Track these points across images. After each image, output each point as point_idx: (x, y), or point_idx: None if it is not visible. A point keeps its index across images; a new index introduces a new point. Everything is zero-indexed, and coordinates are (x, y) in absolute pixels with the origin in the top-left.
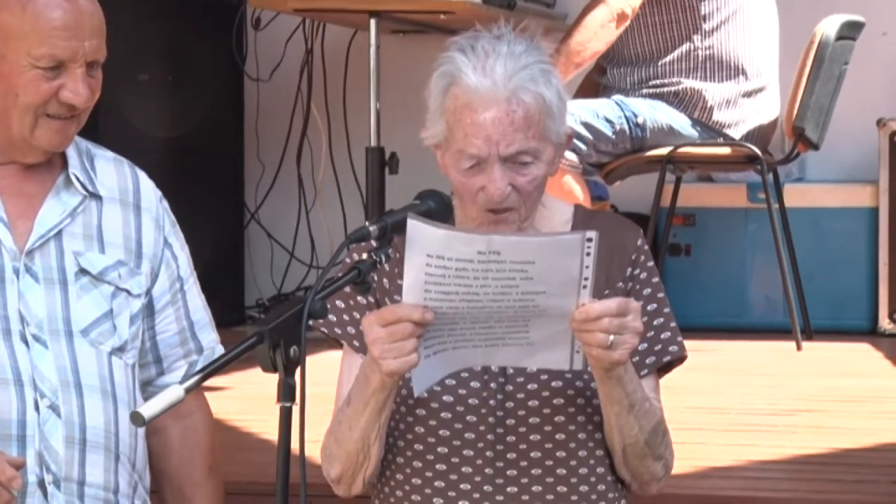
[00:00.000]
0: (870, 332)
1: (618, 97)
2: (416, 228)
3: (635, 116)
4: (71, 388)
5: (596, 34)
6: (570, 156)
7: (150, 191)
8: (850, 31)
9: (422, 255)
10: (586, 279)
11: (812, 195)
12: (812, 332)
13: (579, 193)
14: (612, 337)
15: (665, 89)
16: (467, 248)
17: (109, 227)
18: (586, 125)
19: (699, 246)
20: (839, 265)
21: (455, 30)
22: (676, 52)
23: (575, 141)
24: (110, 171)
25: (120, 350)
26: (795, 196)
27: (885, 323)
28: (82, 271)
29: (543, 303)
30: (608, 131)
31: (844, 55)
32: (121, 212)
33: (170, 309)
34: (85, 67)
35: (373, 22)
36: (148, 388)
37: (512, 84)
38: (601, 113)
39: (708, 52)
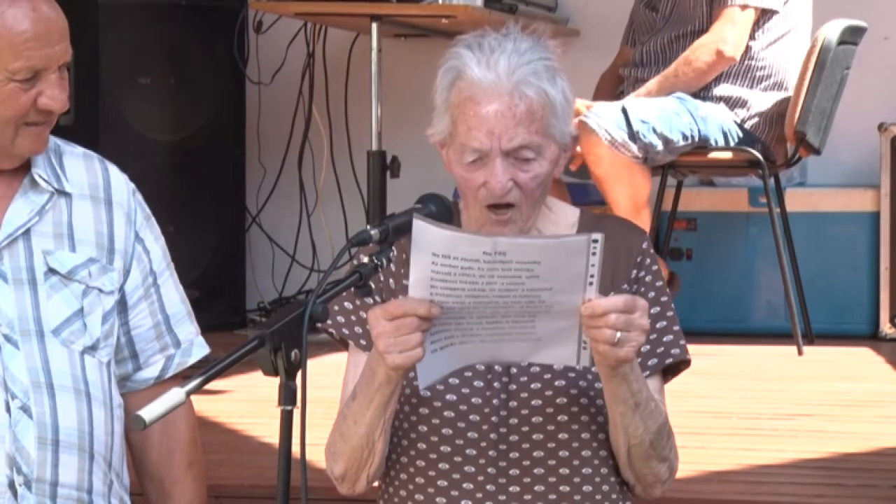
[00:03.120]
0: (871, 337)
1: (690, 104)
2: (422, 229)
3: (704, 125)
4: (43, 389)
5: (742, 37)
6: (635, 149)
7: (121, 184)
8: (852, 36)
9: (427, 254)
10: (592, 276)
11: (813, 199)
12: (813, 337)
13: (648, 187)
14: (618, 334)
15: (713, 93)
16: (473, 249)
17: (80, 225)
18: (661, 136)
19: (700, 250)
20: (840, 270)
21: (456, 34)
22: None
23: (646, 139)
24: (79, 167)
25: (92, 349)
26: (797, 200)
27: (886, 327)
28: (51, 271)
29: (550, 299)
30: (681, 142)
31: (846, 60)
32: (92, 208)
33: (143, 304)
34: (57, 72)
35: (374, 26)
36: (126, 384)
37: (515, 78)
38: (677, 127)
39: (758, 60)
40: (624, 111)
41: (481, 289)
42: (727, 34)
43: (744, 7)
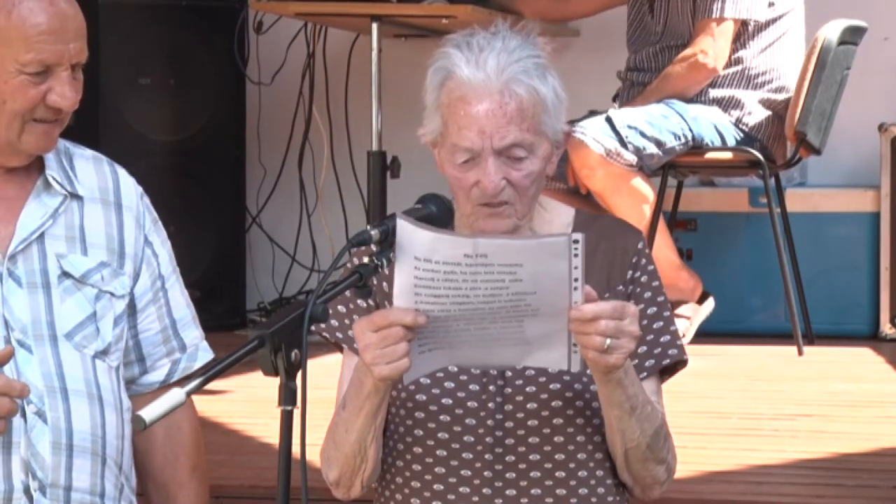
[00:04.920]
0: (871, 337)
1: (679, 106)
2: (405, 230)
3: (696, 125)
4: (57, 394)
5: (722, 49)
6: (629, 156)
7: (130, 188)
8: (852, 36)
9: (410, 259)
10: (576, 280)
11: (814, 200)
12: (813, 337)
13: (648, 192)
14: (608, 340)
15: (707, 96)
16: (454, 251)
17: (91, 228)
18: (652, 139)
19: (701, 250)
20: (840, 270)
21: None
22: (727, 66)
23: (637, 143)
24: (90, 170)
25: (103, 353)
26: (797, 201)
27: (886, 328)
28: (65, 274)
29: (536, 302)
30: (673, 143)
31: (846, 60)
32: (102, 211)
33: (151, 308)
34: (70, 70)
35: (374, 26)
36: (131, 387)
37: (504, 76)
38: (667, 128)
39: (753, 68)
40: (608, 120)
41: (465, 294)
42: (706, 46)
43: (721, 19)
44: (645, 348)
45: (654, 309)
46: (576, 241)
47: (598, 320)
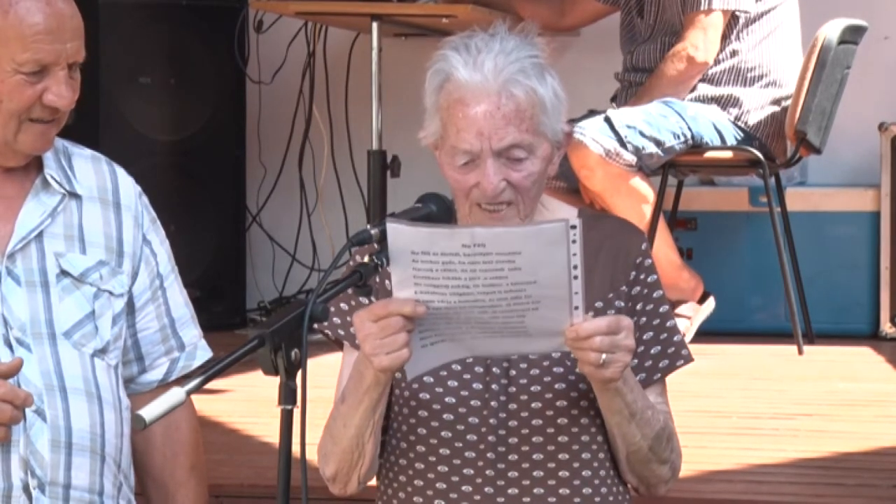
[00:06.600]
0: (871, 336)
1: (678, 106)
2: (396, 231)
3: (695, 124)
4: (56, 392)
5: (713, 41)
6: (628, 157)
7: (128, 187)
8: (853, 36)
9: (406, 254)
10: (575, 267)
11: (814, 199)
12: (813, 336)
13: (648, 192)
14: (604, 356)
15: (705, 94)
16: (451, 243)
17: (90, 227)
18: (651, 138)
19: (701, 250)
20: (841, 269)
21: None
22: (721, 60)
23: (636, 143)
24: (88, 169)
25: (102, 352)
26: (797, 200)
27: (886, 327)
28: (63, 273)
29: (536, 293)
30: (673, 142)
31: (846, 59)
32: (101, 210)
33: (150, 306)
34: (67, 70)
35: (375, 25)
36: (130, 386)
37: (502, 77)
38: (666, 127)
39: (747, 62)
40: (607, 120)
41: (465, 285)
42: (696, 40)
43: (709, 11)
44: (658, 348)
45: (666, 307)
46: (573, 227)
47: (593, 337)
